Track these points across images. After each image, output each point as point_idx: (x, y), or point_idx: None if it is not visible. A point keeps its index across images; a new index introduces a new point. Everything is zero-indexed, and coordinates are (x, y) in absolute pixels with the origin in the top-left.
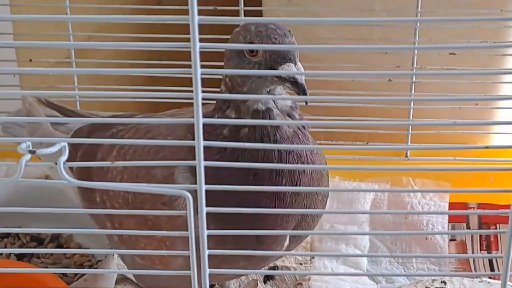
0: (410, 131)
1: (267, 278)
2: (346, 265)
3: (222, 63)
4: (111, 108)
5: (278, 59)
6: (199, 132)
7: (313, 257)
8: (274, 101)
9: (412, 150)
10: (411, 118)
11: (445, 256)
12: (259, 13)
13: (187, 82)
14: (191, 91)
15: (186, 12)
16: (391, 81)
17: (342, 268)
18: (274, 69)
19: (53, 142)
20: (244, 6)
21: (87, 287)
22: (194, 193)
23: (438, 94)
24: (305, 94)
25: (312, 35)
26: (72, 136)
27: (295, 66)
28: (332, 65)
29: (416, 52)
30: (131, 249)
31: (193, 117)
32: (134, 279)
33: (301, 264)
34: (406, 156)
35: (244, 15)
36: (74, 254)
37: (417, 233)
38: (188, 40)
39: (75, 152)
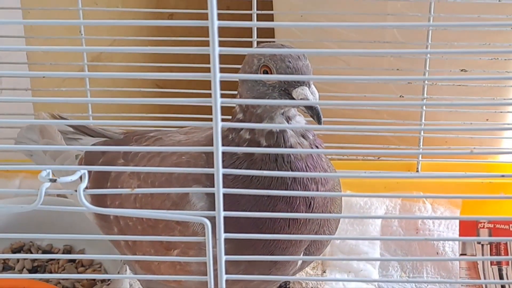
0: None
1: None
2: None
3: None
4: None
5: (293, 82)
6: (218, 160)
7: (324, 271)
8: (288, 122)
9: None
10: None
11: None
12: (271, 31)
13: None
14: (210, 115)
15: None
16: (403, 97)
17: (354, 283)
18: (288, 91)
19: (73, 170)
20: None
21: None
22: (212, 218)
23: (450, 100)
24: (319, 116)
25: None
26: (86, 153)
27: (309, 89)
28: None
29: (427, 67)
30: (145, 265)
31: (208, 135)
32: None
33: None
34: (417, 171)
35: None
36: (86, 269)
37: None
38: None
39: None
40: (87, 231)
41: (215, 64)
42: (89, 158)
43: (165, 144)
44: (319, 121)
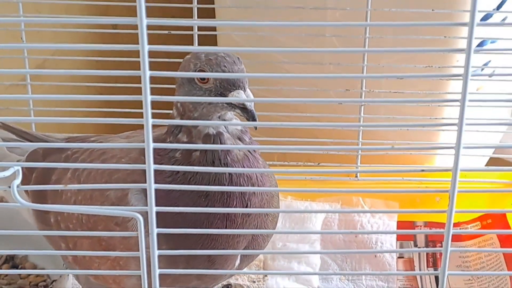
0: (360, 152)
1: None
2: (298, 283)
3: (174, 86)
4: (66, 129)
5: (228, 86)
6: (150, 156)
7: (266, 275)
8: (224, 126)
9: (361, 172)
10: (360, 139)
11: (387, 273)
12: (214, 38)
13: (141, 104)
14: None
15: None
16: (341, 104)
17: (294, 286)
18: (224, 95)
19: (7, 166)
20: (199, 30)
21: None
22: (146, 214)
23: (386, 116)
24: (254, 119)
25: (265, 58)
26: (27, 158)
27: (244, 92)
28: (285, 87)
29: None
30: (86, 267)
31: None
32: None
33: (254, 282)
34: (356, 177)
35: (199, 41)
36: (29, 275)
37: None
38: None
39: (29, 174)
40: (31, 239)
41: (145, 62)
42: (29, 162)
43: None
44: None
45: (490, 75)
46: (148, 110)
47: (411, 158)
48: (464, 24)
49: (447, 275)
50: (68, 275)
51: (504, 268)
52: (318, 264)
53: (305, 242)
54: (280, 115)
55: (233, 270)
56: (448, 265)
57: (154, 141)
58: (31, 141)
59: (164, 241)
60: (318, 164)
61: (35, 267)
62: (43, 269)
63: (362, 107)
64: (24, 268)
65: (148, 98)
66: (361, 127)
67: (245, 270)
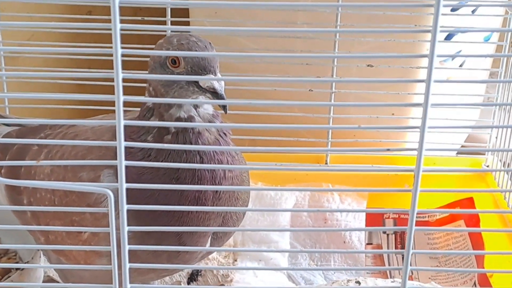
0: (330, 139)
1: (190, 280)
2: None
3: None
4: (40, 115)
5: (199, 70)
6: (120, 132)
7: (236, 260)
8: (196, 109)
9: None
10: (330, 124)
11: (353, 251)
12: (187, 24)
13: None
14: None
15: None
16: (312, 91)
17: (264, 271)
18: (195, 80)
19: None
20: (171, 17)
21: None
22: (117, 192)
23: (356, 103)
24: (224, 104)
25: (237, 46)
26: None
27: (215, 77)
28: (256, 75)
29: (335, 62)
30: (58, 251)
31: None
32: (60, 280)
33: (223, 265)
34: (326, 163)
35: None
36: (1, 257)
37: (328, 230)
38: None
39: (3, 156)
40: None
41: (117, 40)
42: (4, 144)
43: (79, 130)
44: (224, 108)
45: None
46: (119, 86)
47: (380, 145)
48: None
49: (411, 253)
50: (40, 257)
51: (473, 262)
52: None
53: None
54: (252, 103)
55: (205, 247)
56: (413, 246)
57: (128, 125)
58: (4, 124)
59: (135, 223)
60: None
61: (6, 250)
62: (15, 252)
63: (333, 94)
64: None
65: (119, 75)
66: (332, 107)
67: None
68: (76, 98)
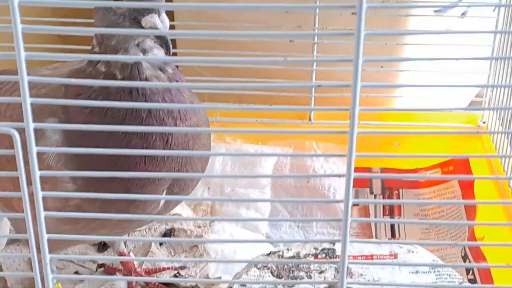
0: (313, 94)
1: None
2: (246, 229)
3: None
4: None
5: (141, 9)
6: (22, 69)
7: (213, 220)
8: (143, 54)
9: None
10: (313, 80)
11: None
12: None
13: None
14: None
15: None
16: (293, 41)
17: (242, 232)
18: (138, 20)
19: None
20: None
21: None
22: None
23: (341, 56)
24: (167, 46)
25: None
26: None
27: (159, 17)
28: (237, 24)
29: (317, 11)
30: (7, 205)
31: (72, 70)
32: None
33: (200, 227)
34: (310, 120)
35: None
36: None
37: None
38: None
39: None
40: None
41: None
42: None
43: None
44: (167, 50)
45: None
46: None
47: (368, 100)
48: None
49: (351, 203)
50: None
51: (463, 217)
52: (267, 210)
53: (255, 188)
54: (226, 55)
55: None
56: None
57: (77, 72)
58: None
59: (80, 177)
60: (271, 105)
61: None
62: None
63: (315, 45)
64: None
65: (18, 27)
66: (315, 62)
67: (187, 216)
68: None
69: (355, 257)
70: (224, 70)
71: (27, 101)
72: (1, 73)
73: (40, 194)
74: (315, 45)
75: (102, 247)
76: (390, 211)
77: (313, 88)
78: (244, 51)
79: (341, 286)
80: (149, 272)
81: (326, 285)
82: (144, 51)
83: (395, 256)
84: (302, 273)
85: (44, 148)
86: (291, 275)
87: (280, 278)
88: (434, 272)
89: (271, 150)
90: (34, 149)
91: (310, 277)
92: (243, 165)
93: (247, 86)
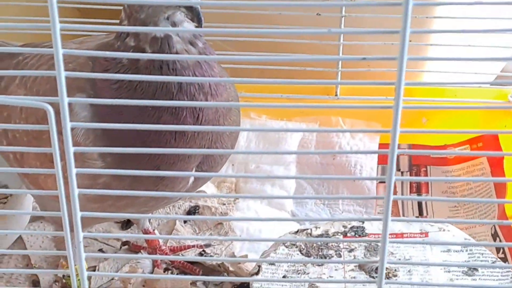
0: (340, 68)
1: None
2: (271, 207)
3: None
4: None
5: None
6: (57, 42)
7: (237, 198)
8: (174, 27)
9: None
10: (341, 54)
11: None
12: None
13: None
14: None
15: None
16: (320, 15)
17: (267, 210)
18: None
19: None
20: None
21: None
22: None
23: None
24: (199, 18)
25: None
26: None
27: None
28: None
29: None
30: (33, 180)
31: (99, 44)
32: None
33: (224, 204)
34: (336, 95)
35: None
36: None
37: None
38: None
39: None
40: None
41: None
42: None
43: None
44: (199, 23)
45: None
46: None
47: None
48: None
49: (393, 180)
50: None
51: (493, 195)
52: (293, 188)
53: (280, 164)
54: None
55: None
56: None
57: (104, 46)
58: None
59: (108, 154)
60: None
61: None
62: (5, 186)
63: (343, 18)
64: None
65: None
66: (342, 35)
67: (212, 193)
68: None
69: None
70: (248, 45)
71: (62, 75)
72: (25, 46)
73: (74, 171)
74: (343, 19)
75: (126, 224)
76: (418, 188)
77: (340, 62)
78: (269, 25)
79: (381, 265)
80: (174, 250)
81: (356, 264)
82: (174, 25)
83: (426, 234)
84: (331, 252)
85: (78, 124)
86: (320, 253)
87: (309, 256)
88: (467, 250)
89: (296, 126)
90: (68, 124)
91: (340, 256)
92: (268, 142)
93: (280, 59)
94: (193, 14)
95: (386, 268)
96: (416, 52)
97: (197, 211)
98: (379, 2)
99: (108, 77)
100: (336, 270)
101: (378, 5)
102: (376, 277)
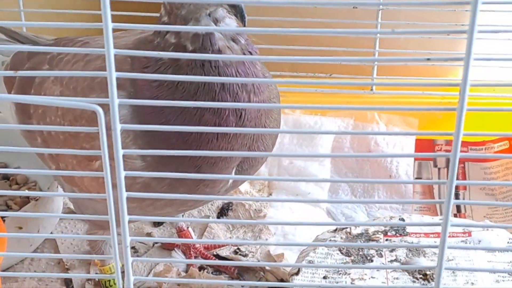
0: (376, 63)
1: (220, 214)
2: (306, 203)
3: None
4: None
5: None
6: (109, 41)
7: (271, 194)
8: (215, 24)
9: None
10: (377, 48)
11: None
12: None
13: None
14: None
15: None
16: (356, 8)
17: (301, 206)
18: None
19: None
20: None
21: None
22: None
23: (406, 22)
24: (242, 15)
25: None
26: (12, 58)
27: None
28: None
29: None
30: (68, 179)
31: (136, 39)
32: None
33: (258, 201)
34: (372, 90)
35: None
36: (21, 187)
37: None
38: None
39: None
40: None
41: None
42: (14, 63)
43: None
44: (242, 20)
45: None
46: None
47: (432, 70)
48: None
49: (455, 184)
50: (57, 186)
51: None
52: (327, 184)
53: (314, 160)
54: (282, 20)
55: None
56: (470, 188)
57: (143, 42)
58: (20, 42)
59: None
60: (330, 75)
61: (26, 180)
62: (35, 182)
63: (380, 11)
64: (16, 180)
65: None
66: (378, 34)
67: (242, 190)
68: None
69: (426, 234)
70: (281, 38)
71: (113, 75)
72: (58, 41)
73: (123, 174)
74: (380, 12)
75: (158, 222)
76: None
77: (376, 54)
78: (304, 18)
79: (439, 271)
80: (208, 248)
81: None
82: (216, 21)
83: (469, 234)
84: (372, 251)
85: (128, 126)
86: (360, 253)
87: (349, 256)
88: None
89: (330, 121)
90: (118, 126)
91: (381, 255)
92: (302, 137)
93: (321, 60)
94: (236, 11)
95: (429, 270)
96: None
97: (230, 208)
98: (447, 1)
99: (156, 77)
100: (378, 270)
101: (445, 4)
102: (420, 278)
